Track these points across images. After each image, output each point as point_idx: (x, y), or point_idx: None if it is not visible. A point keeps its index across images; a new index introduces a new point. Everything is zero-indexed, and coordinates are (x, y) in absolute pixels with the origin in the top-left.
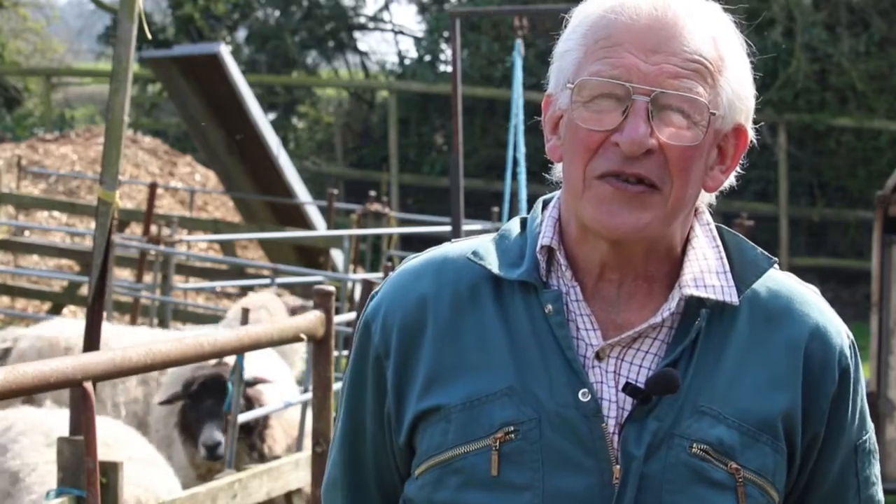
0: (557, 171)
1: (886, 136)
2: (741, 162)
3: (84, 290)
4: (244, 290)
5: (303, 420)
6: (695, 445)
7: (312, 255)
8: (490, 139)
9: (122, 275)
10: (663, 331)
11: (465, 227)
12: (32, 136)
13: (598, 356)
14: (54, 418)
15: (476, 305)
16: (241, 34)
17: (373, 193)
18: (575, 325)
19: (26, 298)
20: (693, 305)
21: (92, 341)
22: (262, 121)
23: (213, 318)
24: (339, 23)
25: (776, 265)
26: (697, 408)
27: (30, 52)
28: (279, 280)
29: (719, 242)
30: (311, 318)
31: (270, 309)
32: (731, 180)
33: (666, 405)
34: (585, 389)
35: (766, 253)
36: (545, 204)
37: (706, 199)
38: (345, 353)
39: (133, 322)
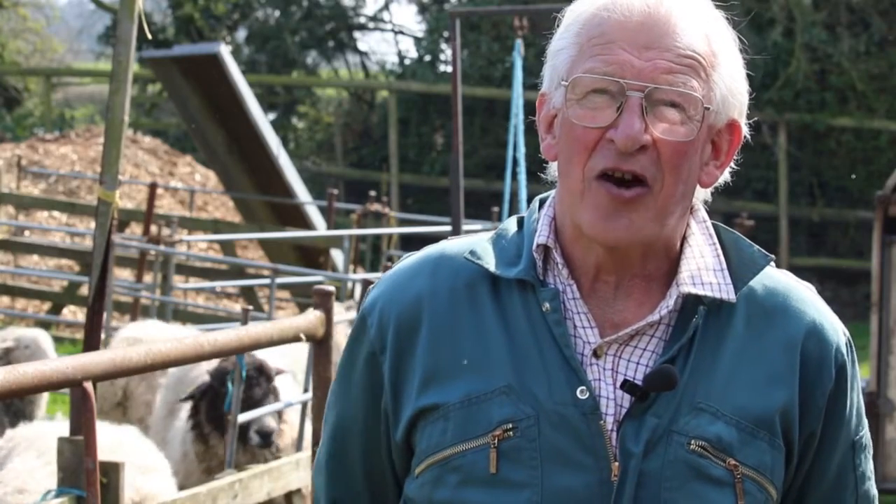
0: (552, 169)
1: (886, 136)
2: (735, 158)
3: (84, 290)
4: (244, 290)
5: (303, 420)
6: (693, 442)
7: (312, 255)
8: (490, 139)
9: (122, 275)
10: (661, 328)
11: (465, 227)
12: (32, 136)
13: (595, 354)
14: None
15: (473, 304)
16: (241, 34)
17: (373, 193)
18: (572, 323)
19: (26, 298)
20: (690, 303)
21: (92, 341)
22: (262, 121)
23: (213, 318)
24: (339, 23)
25: (773, 262)
26: (695, 405)
27: (30, 52)
28: (279, 280)
29: (716, 240)
30: (311, 318)
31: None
32: (725, 176)
33: (664, 402)
34: (583, 387)
35: (762, 250)
36: (542, 203)
37: (701, 195)
38: None
39: (133, 322)
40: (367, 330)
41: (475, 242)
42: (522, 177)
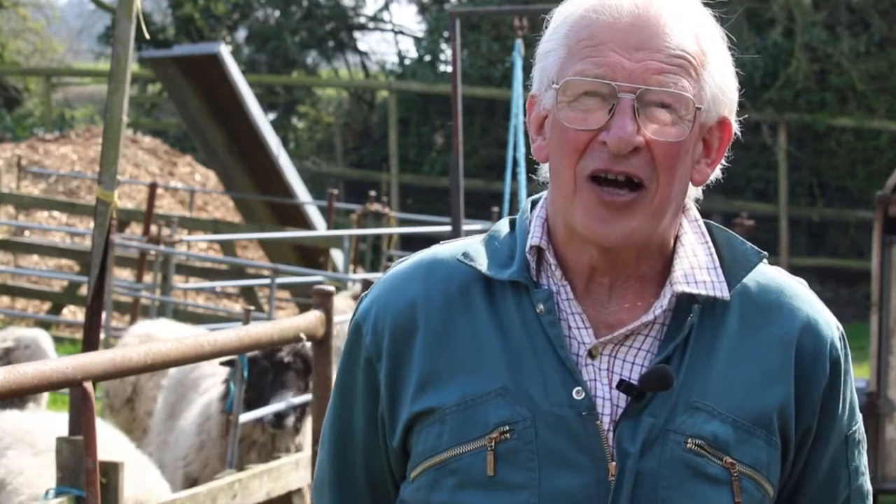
0: (544, 171)
1: (886, 136)
2: (731, 156)
3: (84, 290)
4: (244, 290)
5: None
6: (689, 441)
7: (312, 255)
8: (490, 139)
9: (122, 275)
10: (655, 328)
11: (465, 227)
12: (32, 136)
13: (590, 354)
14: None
15: (467, 306)
16: (241, 34)
17: (373, 193)
18: (567, 324)
19: (26, 298)
20: (684, 302)
21: (91, 341)
22: (262, 121)
23: (214, 318)
24: (339, 23)
25: (765, 259)
26: (691, 403)
27: (30, 52)
28: (279, 280)
29: (708, 238)
30: (311, 318)
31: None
32: (717, 173)
33: (660, 401)
34: (579, 388)
35: (755, 247)
36: (533, 204)
37: (693, 194)
38: None
39: (133, 322)
40: (363, 337)
41: (468, 245)
42: (522, 177)
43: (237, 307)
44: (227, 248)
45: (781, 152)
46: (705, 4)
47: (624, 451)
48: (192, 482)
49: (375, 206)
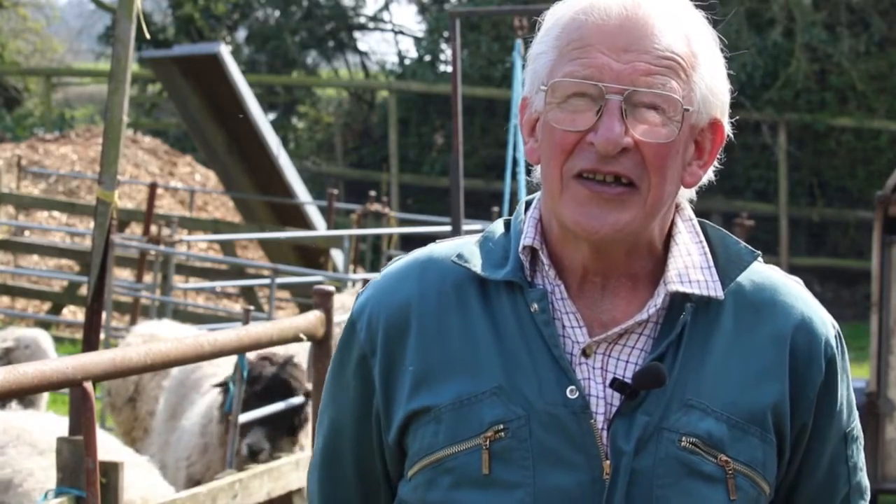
0: (537, 172)
1: (886, 136)
2: (719, 156)
3: (84, 290)
4: (244, 290)
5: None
6: (684, 439)
7: (312, 255)
8: (490, 139)
9: (122, 275)
10: (649, 326)
11: (465, 227)
12: (32, 136)
13: (584, 353)
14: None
15: (462, 306)
16: (241, 34)
17: (373, 193)
18: (561, 323)
19: (26, 298)
20: (678, 301)
21: (91, 341)
22: (262, 121)
23: (214, 318)
24: (339, 23)
25: (759, 258)
26: (685, 401)
27: (30, 52)
28: (279, 280)
29: (702, 238)
30: (311, 318)
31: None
32: (710, 175)
33: (654, 400)
34: (573, 386)
35: (749, 246)
36: (528, 205)
37: (686, 194)
38: None
39: (133, 322)
40: (357, 334)
41: (462, 245)
42: (522, 177)
43: (237, 307)
44: (227, 248)
45: (781, 152)
46: (701, 6)
47: (618, 450)
48: (194, 483)
49: (375, 206)
